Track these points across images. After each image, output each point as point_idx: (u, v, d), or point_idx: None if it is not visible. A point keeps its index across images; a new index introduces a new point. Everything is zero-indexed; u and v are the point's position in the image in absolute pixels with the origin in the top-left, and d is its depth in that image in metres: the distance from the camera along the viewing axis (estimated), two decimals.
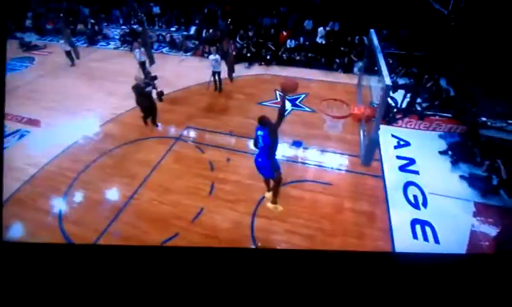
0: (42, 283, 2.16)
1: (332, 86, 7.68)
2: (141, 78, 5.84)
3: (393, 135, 5.32)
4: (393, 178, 4.76)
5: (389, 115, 3.69)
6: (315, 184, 4.78)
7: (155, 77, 6.20)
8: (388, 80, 3.54)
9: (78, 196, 4.68)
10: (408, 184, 4.61)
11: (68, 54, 8.66)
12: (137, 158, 5.36)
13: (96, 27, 10.58)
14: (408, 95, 3.50)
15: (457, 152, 4.59)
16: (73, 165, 5.20)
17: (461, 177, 4.57)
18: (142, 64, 7.46)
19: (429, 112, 3.48)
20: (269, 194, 3.98)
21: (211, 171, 5.09)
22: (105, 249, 2.79)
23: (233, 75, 7.71)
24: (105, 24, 10.85)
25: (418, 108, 3.54)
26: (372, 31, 4.93)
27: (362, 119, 4.50)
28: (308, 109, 6.74)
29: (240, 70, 8.29)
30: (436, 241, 3.85)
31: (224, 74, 7.41)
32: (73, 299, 2.13)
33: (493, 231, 3.89)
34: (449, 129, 3.66)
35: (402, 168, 4.94)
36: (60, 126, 6.09)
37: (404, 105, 3.65)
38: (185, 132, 6.01)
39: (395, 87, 3.51)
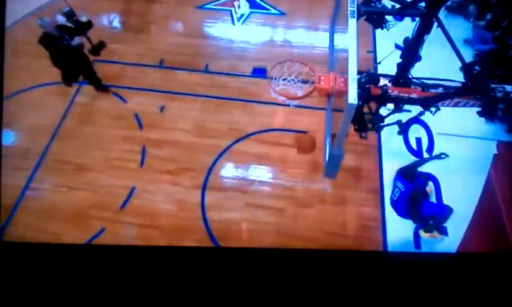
0: (39, 282, 2.36)
1: None
2: (53, 21, 3.57)
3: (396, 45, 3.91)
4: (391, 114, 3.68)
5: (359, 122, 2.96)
6: (284, 134, 3.77)
7: (89, 24, 3.82)
8: (352, 98, 2.33)
9: None
10: (409, 123, 3.57)
11: None
12: (23, 123, 3.86)
13: None
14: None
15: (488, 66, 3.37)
16: None
17: None
18: None
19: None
20: None
21: (139, 130, 3.86)
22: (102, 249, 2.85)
23: None
24: None
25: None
26: None
27: (330, 93, 3.17)
28: (275, 11, 4.88)
29: None
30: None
31: None
32: (72, 299, 2.34)
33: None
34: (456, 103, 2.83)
35: None
36: None
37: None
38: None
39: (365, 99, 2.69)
